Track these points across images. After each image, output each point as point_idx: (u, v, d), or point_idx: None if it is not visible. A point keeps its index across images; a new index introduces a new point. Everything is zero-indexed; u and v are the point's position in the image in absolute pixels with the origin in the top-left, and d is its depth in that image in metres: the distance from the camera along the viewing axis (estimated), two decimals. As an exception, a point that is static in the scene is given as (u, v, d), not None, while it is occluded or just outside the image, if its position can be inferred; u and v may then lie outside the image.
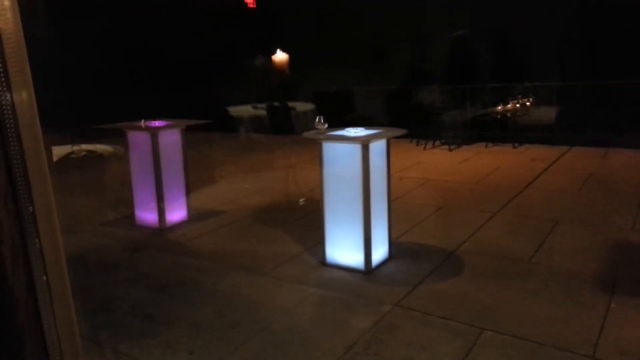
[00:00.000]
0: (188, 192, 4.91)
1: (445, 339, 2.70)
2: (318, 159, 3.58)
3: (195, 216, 4.96)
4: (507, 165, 6.96)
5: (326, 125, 3.44)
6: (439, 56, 9.64)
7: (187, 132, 4.82)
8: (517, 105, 8.30)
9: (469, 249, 3.94)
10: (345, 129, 3.51)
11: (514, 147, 8.31)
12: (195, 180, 5.92)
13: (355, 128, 3.45)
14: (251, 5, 11.25)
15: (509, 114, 8.41)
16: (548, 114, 8.61)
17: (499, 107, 8.44)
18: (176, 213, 4.79)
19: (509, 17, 8.91)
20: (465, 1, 9.10)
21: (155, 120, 4.68)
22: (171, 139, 4.65)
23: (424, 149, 8.45)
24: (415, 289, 3.29)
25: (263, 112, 10.36)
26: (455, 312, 2.96)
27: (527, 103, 8.32)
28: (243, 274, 3.66)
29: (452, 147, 8.44)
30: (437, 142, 8.71)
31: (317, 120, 3.46)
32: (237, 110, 10.40)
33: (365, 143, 3.24)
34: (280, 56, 9.66)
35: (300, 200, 5.56)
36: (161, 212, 4.60)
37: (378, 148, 3.40)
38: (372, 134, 3.38)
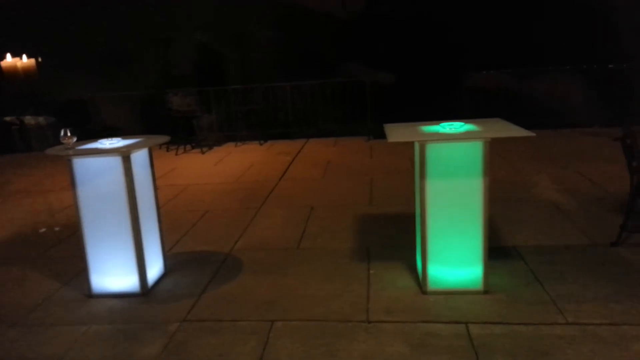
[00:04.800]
0: None
1: (240, 340, 2.71)
2: (68, 178, 3.12)
3: None
4: (259, 162, 7.35)
5: (75, 139, 3.01)
6: (185, 60, 9.51)
7: None
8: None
9: (243, 247, 4.03)
10: (98, 140, 3.14)
11: (260, 144, 8.84)
12: None
13: (110, 139, 3.12)
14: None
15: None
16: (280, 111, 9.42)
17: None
18: None
19: (245, 24, 9.37)
20: (208, 7, 9.16)
21: None
22: None
23: (176, 154, 8.25)
24: (200, 298, 3.20)
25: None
26: (244, 312, 3.00)
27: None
28: (-16, 331, 2.95)
29: (204, 149, 8.46)
30: (189, 146, 8.62)
31: (62, 133, 3.00)
32: None
33: (126, 154, 2.96)
34: (10, 62, 7.97)
35: (43, 229, 4.77)
36: None
37: (140, 158, 3.16)
38: (131, 143, 3.11)
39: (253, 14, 9.26)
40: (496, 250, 3.50)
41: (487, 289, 3.02)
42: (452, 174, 2.91)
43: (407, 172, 3.34)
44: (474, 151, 2.87)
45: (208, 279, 3.47)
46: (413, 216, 3.29)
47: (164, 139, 3.37)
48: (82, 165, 3.06)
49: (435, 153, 2.89)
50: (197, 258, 3.87)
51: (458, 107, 8.15)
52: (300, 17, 9.33)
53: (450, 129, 3.03)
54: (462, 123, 3.11)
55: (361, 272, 3.42)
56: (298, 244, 4.04)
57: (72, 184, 3.08)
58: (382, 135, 3.17)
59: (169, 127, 8.27)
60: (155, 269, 3.44)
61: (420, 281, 3.14)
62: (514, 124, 3.10)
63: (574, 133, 7.80)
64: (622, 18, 7.93)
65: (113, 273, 3.24)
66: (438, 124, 3.15)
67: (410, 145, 3.11)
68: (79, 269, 3.37)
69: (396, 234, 4.07)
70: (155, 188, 3.46)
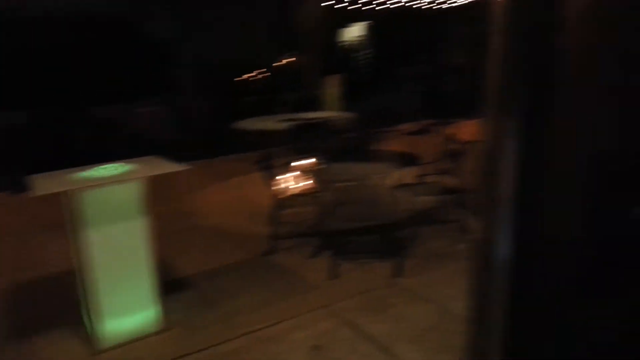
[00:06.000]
0: None
1: None
2: None
3: None
4: None
5: None
6: None
7: None
8: None
9: None
10: None
11: None
12: None
13: None
14: None
15: None
16: None
17: None
18: None
19: None
20: None
21: None
22: None
23: None
24: None
25: None
26: None
27: None
28: None
29: None
30: None
31: None
32: None
33: None
34: None
35: None
36: None
37: None
38: None
39: None
40: (172, 284, 3.55)
41: (166, 326, 3.02)
42: (112, 219, 2.80)
43: (59, 225, 2.98)
44: (132, 192, 2.85)
45: None
46: (73, 273, 3.00)
47: None
48: None
49: (91, 200, 2.72)
50: None
51: (112, 149, 7.91)
52: None
53: (106, 172, 2.91)
54: (118, 164, 3.02)
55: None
56: None
57: None
58: (25, 189, 2.77)
59: None
60: None
61: (93, 341, 2.88)
62: (169, 161, 3.18)
63: (221, 161, 8.58)
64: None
65: None
66: (92, 168, 2.97)
67: (60, 195, 2.83)
68: None
69: (55, 300, 3.57)
70: None
